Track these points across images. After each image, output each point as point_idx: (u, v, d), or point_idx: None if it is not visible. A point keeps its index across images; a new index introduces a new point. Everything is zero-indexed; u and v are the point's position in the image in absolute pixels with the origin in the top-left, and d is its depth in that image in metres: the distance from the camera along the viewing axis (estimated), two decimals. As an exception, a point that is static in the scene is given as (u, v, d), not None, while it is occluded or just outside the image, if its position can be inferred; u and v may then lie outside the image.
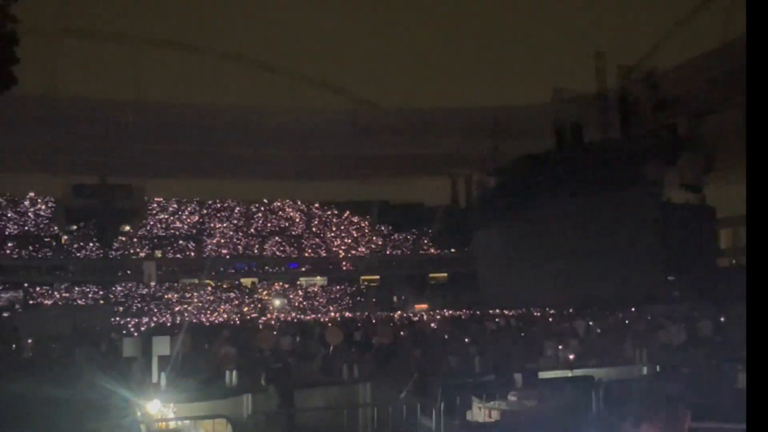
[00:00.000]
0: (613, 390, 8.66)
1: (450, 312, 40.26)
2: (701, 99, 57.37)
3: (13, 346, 18.89)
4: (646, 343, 14.71)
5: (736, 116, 62.98)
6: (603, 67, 59.60)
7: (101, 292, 60.74)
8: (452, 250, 71.70)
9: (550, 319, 26.01)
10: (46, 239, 66.15)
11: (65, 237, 66.73)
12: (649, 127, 55.07)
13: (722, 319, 19.85)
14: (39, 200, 71.22)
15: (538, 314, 30.70)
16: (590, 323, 20.79)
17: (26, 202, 70.42)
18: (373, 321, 29.82)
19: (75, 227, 67.82)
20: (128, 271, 63.26)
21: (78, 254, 64.66)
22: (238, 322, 37.93)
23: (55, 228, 68.03)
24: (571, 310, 30.43)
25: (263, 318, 46.52)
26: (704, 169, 56.18)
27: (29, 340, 19.45)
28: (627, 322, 22.24)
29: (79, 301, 58.34)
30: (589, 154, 52.65)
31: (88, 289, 61.01)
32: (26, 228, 67.58)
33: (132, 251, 66.42)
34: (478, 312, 36.67)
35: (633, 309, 28.40)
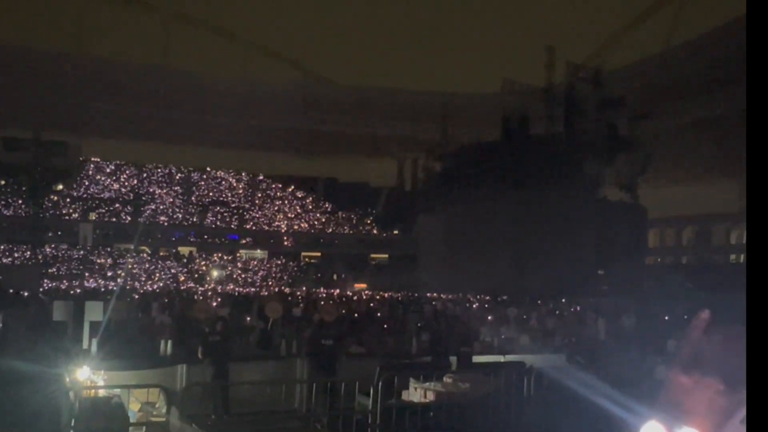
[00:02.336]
0: (542, 376, 9.01)
1: (389, 293, 40.64)
2: (642, 102, 59.51)
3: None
4: (573, 334, 15.35)
5: (670, 122, 65.83)
6: (552, 62, 60.79)
7: (29, 253, 58.15)
8: (395, 232, 72.23)
9: (486, 306, 26.67)
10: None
11: (-8, 192, 63.48)
12: (592, 125, 56.72)
13: (645, 314, 20.84)
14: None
15: (475, 300, 31.41)
16: (522, 311, 21.46)
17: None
18: (316, 297, 29.82)
19: (3, 182, 64.50)
20: (59, 233, 60.74)
21: (5, 211, 61.61)
22: (174, 291, 37.16)
23: (-18, 182, 64.56)
24: (505, 298, 31.28)
25: (200, 288, 45.77)
26: (640, 170, 58.45)
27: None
28: (557, 312, 23.06)
29: (4, 260, 55.69)
30: (534, 146, 53.83)
31: (15, 249, 58.28)
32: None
33: (65, 212, 63.80)
34: (416, 294, 37.17)
35: (563, 300, 29.41)
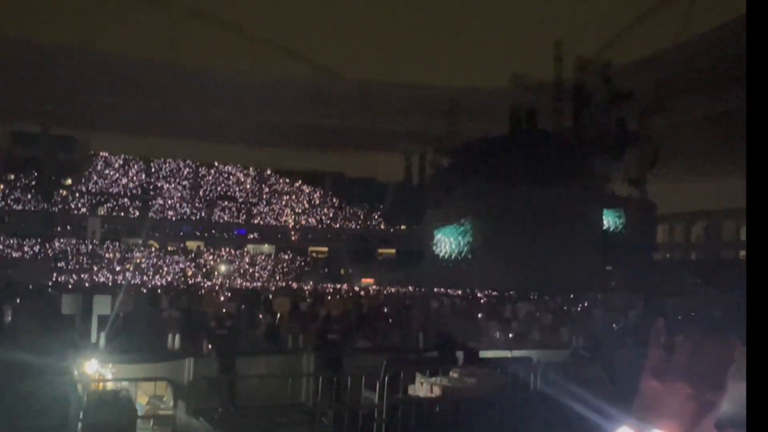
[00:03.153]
0: (549, 371, 9.00)
1: (396, 288, 40.68)
2: (651, 97, 59.13)
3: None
4: (580, 329, 15.31)
5: (680, 117, 65.42)
6: (561, 56, 60.48)
7: (38, 247, 58.55)
8: (402, 227, 72.21)
9: (493, 301, 26.63)
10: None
11: (1, 186, 63.84)
12: (601, 120, 56.43)
13: (653, 311, 20.76)
14: (-26, 146, 67.86)
15: (482, 295, 31.37)
16: (530, 307, 21.41)
17: (-40, 147, 66.98)
18: (323, 292, 29.89)
19: (13, 177, 64.92)
20: (68, 227, 61.11)
21: (15, 206, 62.02)
22: (182, 285, 37.34)
23: (-9, 176, 65.03)
24: (513, 293, 31.22)
25: (208, 282, 45.97)
26: (648, 165, 58.15)
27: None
28: (564, 308, 23.00)
29: (14, 254, 56.08)
30: (542, 141, 53.64)
31: (24, 242, 58.69)
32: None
33: (73, 206, 64.16)
34: (423, 289, 37.18)
35: (571, 296, 29.35)
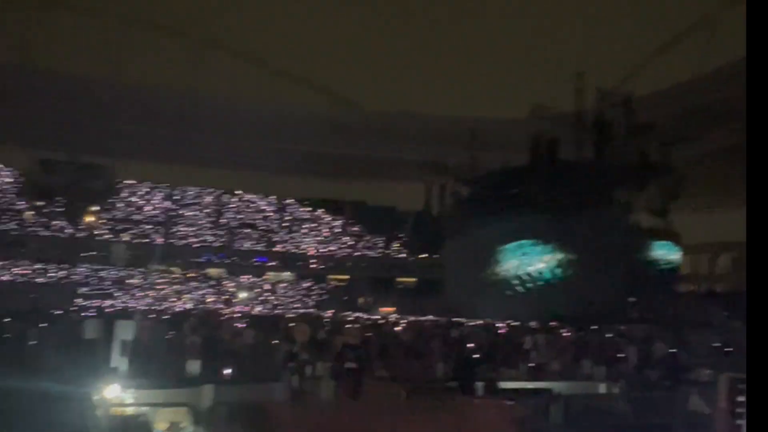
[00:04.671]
0: (570, 404, 8.88)
1: (416, 317, 40.42)
2: (673, 127, 58.76)
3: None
4: (603, 361, 15.05)
5: (704, 147, 64.82)
6: (582, 87, 60.52)
7: (64, 272, 59.41)
8: (422, 256, 72.00)
9: (513, 332, 26.32)
10: (8, 213, 64.51)
11: (29, 212, 65.15)
12: (622, 151, 56.12)
13: (677, 342, 20.37)
14: (4, 173, 69.46)
15: (502, 325, 31.02)
16: (551, 338, 21.13)
17: (-9, 174, 68.67)
18: (343, 320, 29.82)
19: (40, 203, 66.29)
20: (93, 252, 62.00)
21: (42, 231, 63.20)
22: (202, 312, 37.55)
23: (20, 202, 66.40)
24: (533, 324, 30.83)
25: (228, 309, 46.15)
26: (672, 195, 57.50)
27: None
28: (586, 339, 22.65)
29: (39, 280, 56.94)
30: (563, 172, 53.41)
31: (50, 268, 59.59)
32: (-11, 200, 65.87)
33: (98, 232, 65.18)
34: (443, 319, 36.88)
35: (593, 327, 28.89)
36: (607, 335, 24.40)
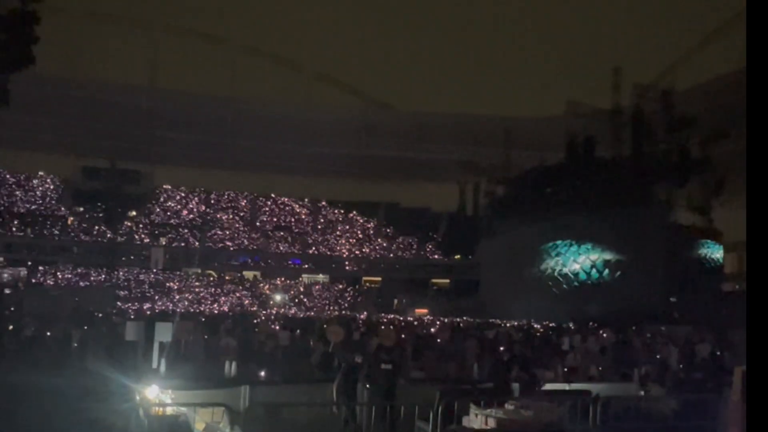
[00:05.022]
0: (610, 406, 8.68)
1: (450, 319, 40.22)
2: (715, 122, 57.24)
3: (10, 326, 18.94)
4: (644, 363, 14.71)
5: (745, 142, 62.86)
6: (619, 83, 59.46)
7: (104, 276, 60.94)
8: (456, 256, 71.64)
9: (550, 332, 25.97)
10: (52, 219, 66.47)
11: (72, 218, 67.04)
12: (662, 147, 54.93)
13: (720, 343, 19.81)
14: (48, 180, 71.59)
15: (539, 326, 30.65)
16: (590, 339, 20.76)
17: (35, 181, 70.78)
18: (377, 322, 29.85)
19: (82, 209, 68.11)
20: (132, 257, 63.45)
21: (84, 236, 64.93)
22: (238, 314, 38.01)
23: (62, 209, 68.36)
24: (571, 325, 30.38)
25: (264, 311, 46.65)
26: (713, 192, 56.02)
27: (29, 320, 19.57)
28: (626, 340, 22.18)
29: (81, 283, 58.51)
30: (600, 169, 52.53)
31: (91, 272, 61.20)
32: (33, 207, 67.93)
33: (137, 237, 66.66)
34: (478, 320, 36.63)
35: (633, 327, 28.32)
36: (647, 336, 23.87)
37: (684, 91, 59.69)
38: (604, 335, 23.14)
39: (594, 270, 48.57)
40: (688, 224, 55.65)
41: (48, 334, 16.82)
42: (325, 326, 17.89)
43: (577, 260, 49.06)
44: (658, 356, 16.11)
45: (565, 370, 13.71)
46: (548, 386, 10.92)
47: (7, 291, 42.22)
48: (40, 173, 71.68)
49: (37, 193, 69.74)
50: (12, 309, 24.15)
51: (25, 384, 8.61)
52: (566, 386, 11.24)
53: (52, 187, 70.96)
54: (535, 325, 31.63)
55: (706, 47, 72.61)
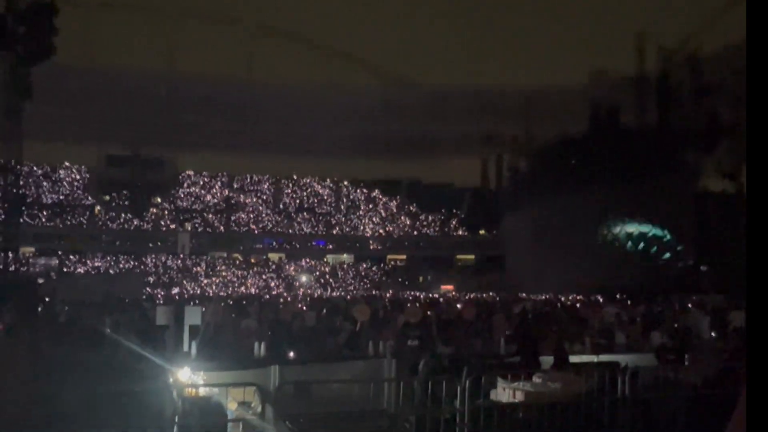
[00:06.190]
0: (639, 377, 8.62)
1: (476, 294, 40.21)
2: (742, 85, 55.62)
3: (46, 314, 19.42)
4: (674, 332, 14.56)
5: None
6: (643, 49, 58.05)
7: (132, 262, 62.05)
8: (481, 232, 71.36)
9: (578, 305, 25.83)
10: (80, 208, 67.68)
11: (98, 207, 68.17)
12: (689, 113, 53.71)
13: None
14: (73, 170, 72.72)
15: (566, 299, 30.49)
16: (618, 310, 20.59)
17: (61, 172, 71.98)
18: (402, 299, 29.98)
19: (108, 198, 69.19)
20: (158, 243, 64.42)
21: (111, 224, 66.05)
22: (265, 296, 38.49)
23: (89, 198, 69.50)
24: (599, 297, 30.17)
25: (290, 293, 47.16)
26: (743, 157, 54.70)
27: (65, 307, 20.04)
28: (656, 311, 21.97)
29: (111, 271, 59.69)
30: (626, 138, 51.62)
31: (120, 259, 62.37)
32: (61, 197, 69.18)
33: (162, 223, 67.60)
34: (504, 295, 36.57)
35: (663, 297, 28.02)
36: (677, 305, 23.61)
37: (710, 55, 58.05)
38: (633, 306, 22.94)
39: (625, 240, 48.02)
40: (717, 191, 54.59)
41: (82, 320, 17.21)
42: (351, 306, 18.02)
43: (608, 231, 48.52)
44: (689, 326, 15.93)
45: (593, 341, 13.64)
46: (576, 358, 10.88)
47: (40, 281, 43.25)
48: (66, 164, 72.82)
49: (64, 183, 70.95)
50: (47, 299, 24.75)
51: (62, 362, 8.84)
52: (594, 358, 11.19)
53: (78, 177, 72.10)
54: (563, 299, 31.47)
55: (731, 8, 70.31)
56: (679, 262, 45.87)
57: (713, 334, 15.41)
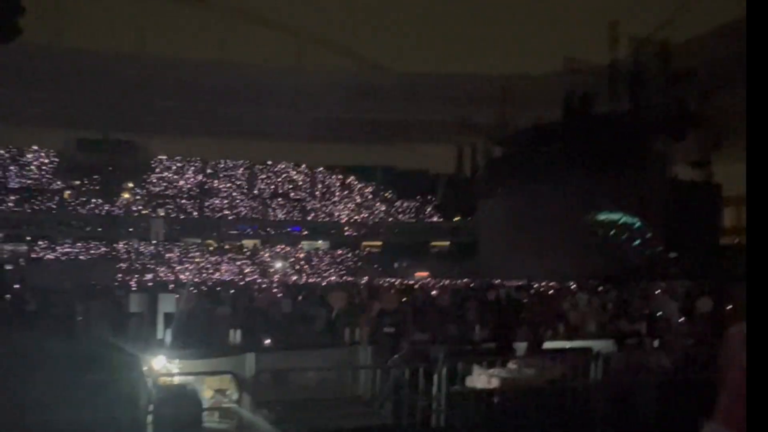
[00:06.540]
0: (611, 362, 8.80)
1: (451, 280, 40.51)
2: (713, 74, 56.66)
3: (14, 302, 19.02)
4: (644, 318, 14.86)
5: (745, 94, 62.35)
6: (616, 37, 58.67)
7: (104, 248, 61.10)
8: (455, 218, 71.80)
9: (551, 291, 26.18)
10: (49, 193, 66.30)
11: (68, 192, 66.86)
12: (659, 101, 54.51)
13: (721, 297, 19.97)
14: (42, 153, 71.13)
15: (540, 286, 30.88)
16: (590, 296, 20.92)
17: (29, 156, 70.34)
18: (378, 286, 30.06)
19: (78, 182, 67.89)
20: (131, 229, 63.52)
21: (81, 210, 64.86)
22: (240, 282, 38.27)
23: (59, 182, 68.11)
24: (571, 284, 30.60)
25: (265, 279, 46.96)
26: (712, 146, 55.81)
27: (34, 295, 19.65)
28: (626, 297, 22.38)
29: (81, 257, 58.70)
30: (598, 126, 52.24)
31: (91, 245, 61.34)
32: (29, 181, 67.67)
33: (135, 209, 66.62)
34: (478, 281, 36.89)
35: (633, 284, 28.54)
36: (647, 291, 24.07)
37: (682, 44, 58.92)
38: (604, 293, 23.34)
39: (596, 226, 48.73)
40: (686, 179, 55.63)
41: (51, 308, 16.91)
42: (326, 292, 18.01)
43: (579, 217, 49.16)
44: (659, 312, 16.26)
45: (567, 328, 13.85)
46: (550, 344, 11.04)
47: (8, 267, 42.35)
48: (34, 147, 71.14)
49: (32, 167, 69.37)
50: (15, 286, 24.25)
51: (30, 352, 8.67)
52: (567, 344, 11.36)
53: (47, 161, 70.54)
54: (535, 285, 31.85)
55: (702, -2, 71.33)
56: (647, 249, 46.76)
57: (681, 319, 15.75)
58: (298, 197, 74.25)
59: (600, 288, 26.09)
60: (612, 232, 48.17)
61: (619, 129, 51.69)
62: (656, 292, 22.92)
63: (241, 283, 37.93)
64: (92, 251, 60.55)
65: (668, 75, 54.30)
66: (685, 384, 8.35)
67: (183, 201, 69.36)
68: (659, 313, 16.08)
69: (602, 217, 48.88)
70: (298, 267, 63.62)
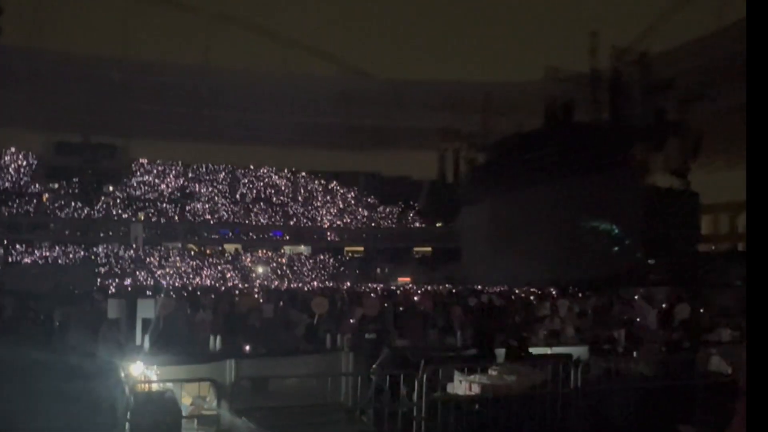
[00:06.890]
0: (590, 368, 8.86)
1: (432, 286, 40.56)
2: (692, 84, 57.56)
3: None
4: (622, 325, 15.01)
5: (724, 103, 63.50)
6: (597, 47, 59.42)
7: (83, 253, 60.25)
8: (438, 224, 71.97)
9: (532, 298, 26.32)
10: (26, 196, 65.28)
11: (47, 195, 65.90)
12: (639, 110, 55.25)
13: (699, 303, 20.22)
14: (20, 156, 70.05)
15: (521, 292, 31.03)
16: (571, 303, 21.06)
17: (6, 158, 69.24)
18: (360, 292, 29.99)
19: (57, 185, 66.94)
20: (110, 233, 62.73)
21: (60, 213, 63.95)
22: (221, 287, 37.95)
23: (37, 185, 67.11)
24: (552, 290, 30.81)
25: (246, 284, 46.63)
26: (690, 154, 56.63)
27: (12, 299, 19.30)
28: (605, 303, 22.57)
29: (60, 261, 57.83)
30: (578, 134, 52.80)
31: (69, 249, 60.46)
32: (6, 184, 66.58)
33: (114, 212, 65.84)
34: (460, 287, 36.98)
35: (612, 290, 28.80)
36: (626, 298, 24.31)
37: (661, 54, 59.81)
38: (584, 299, 23.52)
39: (576, 233, 49.14)
40: (665, 186, 56.37)
41: (29, 313, 16.63)
42: (308, 298, 17.93)
43: (560, 224, 49.57)
44: (637, 319, 16.44)
45: (547, 334, 13.94)
46: (531, 350, 11.09)
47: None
48: (12, 149, 70.07)
49: (10, 170, 68.29)
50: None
51: (7, 362, 8.53)
52: (548, 350, 11.44)
53: (25, 163, 69.48)
54: (517, 291, 32.00)
55: (682, 8, 72.56)
56: (627, 256, 47.26)
57: (659, 326, 15.92)
58: (280, 202, 73.92)
59: (580, 294, 26.30)
60: (592, 239, 48.62)
61: (600, 137, 52.30)
62: (635, 298, 23.16)
63: (223, 288, 37.63)
64: (71, 255, 59.70)
65: (648, 84, 55.08)
66: (663, 390, 8.45)
67: (164, 205, 68.70)
68: (638, 320, 16.26)
69: (583, 224, 49.35)
70: (279, 272, 63.28)
